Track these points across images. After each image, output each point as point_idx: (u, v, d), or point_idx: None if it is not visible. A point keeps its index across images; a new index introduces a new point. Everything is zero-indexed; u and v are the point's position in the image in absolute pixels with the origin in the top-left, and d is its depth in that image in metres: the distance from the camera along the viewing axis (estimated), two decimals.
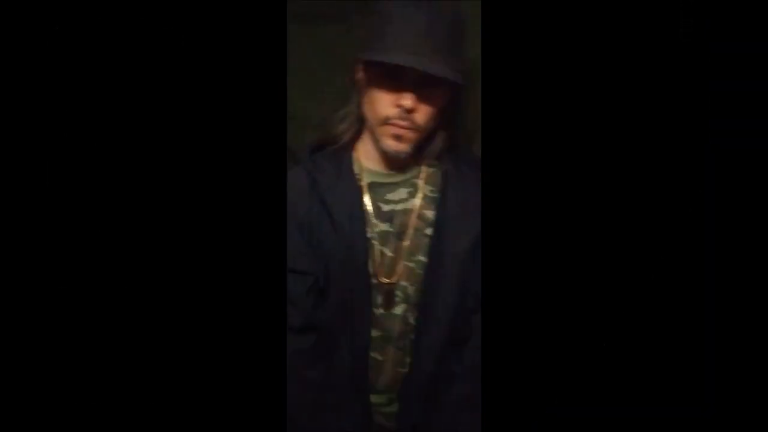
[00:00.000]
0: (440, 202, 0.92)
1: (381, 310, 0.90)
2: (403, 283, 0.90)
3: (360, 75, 0.88)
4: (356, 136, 0.94)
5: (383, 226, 0.91)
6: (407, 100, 0.83)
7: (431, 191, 0.93)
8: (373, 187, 0.92)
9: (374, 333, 0.90)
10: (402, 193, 0.93)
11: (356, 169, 0.93)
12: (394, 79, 0.84)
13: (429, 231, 0.91)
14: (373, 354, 0.91)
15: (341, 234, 0.89)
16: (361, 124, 0.93)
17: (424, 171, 0.93)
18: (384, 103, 0.86)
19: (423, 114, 0.86)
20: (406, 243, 0.90)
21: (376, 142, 0.90)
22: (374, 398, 0.92)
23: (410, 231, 0.91)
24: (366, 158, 0.94)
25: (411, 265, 0.91)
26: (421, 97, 0.85)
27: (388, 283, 0.90)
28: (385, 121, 0.86)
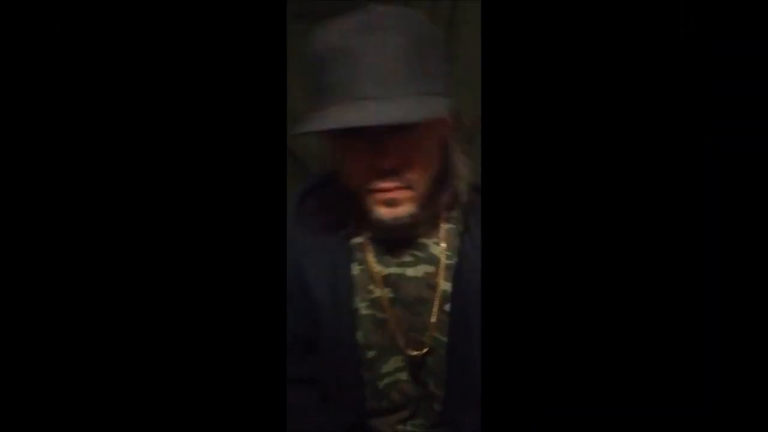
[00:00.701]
0: (456, 270, 0.75)
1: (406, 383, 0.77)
2: (429, 358, 0.76)
3: (325, 143, 0.71)
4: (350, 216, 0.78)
5: (384, 293, 0.76)
6: (383, 161, 0.66)
7: (448, 257, 0.76)
8: (369, 245, 0.76)
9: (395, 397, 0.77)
10: (405, 255, 0.76)
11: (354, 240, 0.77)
12: (354, 142, 0.66)
13: (447, 307, 0.75)
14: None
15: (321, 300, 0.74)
16: (349, 199, 0.74)
17: (441, 229, 0.76)
18: (358, 173, 0.69)
19: (413, 168, 0.68)
20: (416, 315, 0.75)
21: (370, 215, 0.71)
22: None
23: (423, 303, 0.75)
24: (366, 232, 0.77)
25: (433, 341, 0.76)
26: (400, 149, 0.66)
27: (415, 355, 0.74)
28: (370, 191, 0.69)
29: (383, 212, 0.70)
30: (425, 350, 0.75)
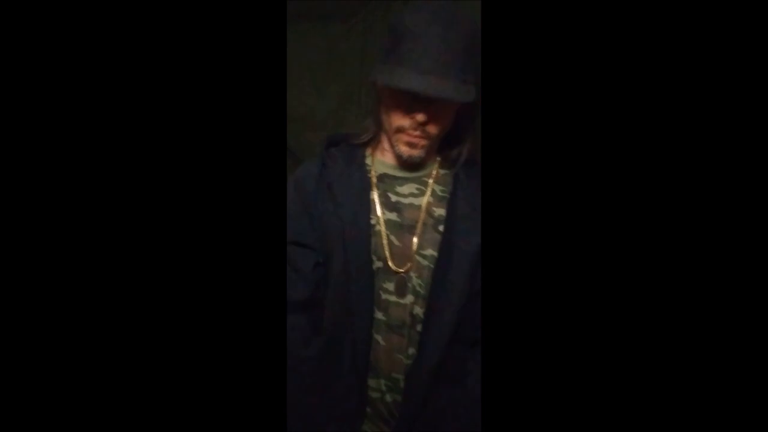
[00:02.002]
0: (450, 201, 0.96)
1: (393, 297, 0.93)
2: (413, 274, 0.93)
3: (377, 86, 0.93)
4: (374, 138, 0.99)
5: (390, 215, 0.95)
6: (419, 115, 0.88)
7: (441, 191, 0.97)
8: (383, 179, 0.97)
9: (379, 316, 0.92)
10: (411, 188, 0.96)
11: (369, 162, 0.98)
12: (407, 95, 0.88)
13: (440, 227, 0.94)
14: (375, 336, 0.92)
15: (344, 217, 0.93)
16: (379, 128, 0.98)
17: (436, 171, 0.98)
18: (398, 115, 0.91)
19: (436, 126, 0.91)
20: (416, 236, 0.93)
21: (392, 146, 0.95)
22: (372, 382, 0.93)
23: (419, 225, 0.94)
24: (381, 154, 0.98)
25: (420, 259, 0.93)
26: (434, 111, 0.89)
27: (400, 272, 0.92)
28: (399, 130, 0.92)
29: (404, 149, 0.93)
30: (408, 266, 0.93)
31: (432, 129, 0.91)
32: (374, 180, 0.96)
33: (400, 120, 0.91)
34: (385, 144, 0.97)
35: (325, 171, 0.96)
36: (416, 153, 0.93)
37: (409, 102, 0.89)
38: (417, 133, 0.91)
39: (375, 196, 0.95)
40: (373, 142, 0.99)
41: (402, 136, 0.92)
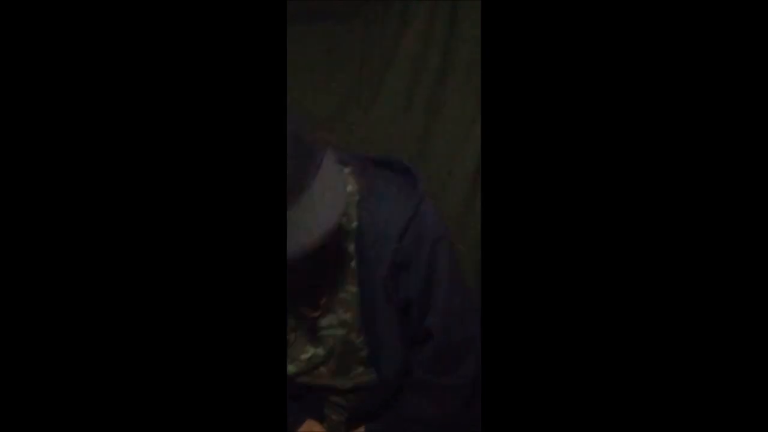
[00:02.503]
0: (356, 234, 0.93)
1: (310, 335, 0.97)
2: (338, 309, 0.95)
3: None
4: None
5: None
6: None
7: (346, 224, 0.92)
8: None
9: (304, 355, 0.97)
10: None
11: None
12: None
13: (353, 264, 0.93)
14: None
15: None
16: None
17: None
18: None
19: None
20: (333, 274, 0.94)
21: None
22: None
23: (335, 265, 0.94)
24: None
25: (343, 295, 0.94)
26: None
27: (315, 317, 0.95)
28: None
29: None
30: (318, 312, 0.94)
31: None
32: None
33: None
34: None
35: None
36: None
37: None
38: None
39: None
40: None
41: None
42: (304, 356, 0.97)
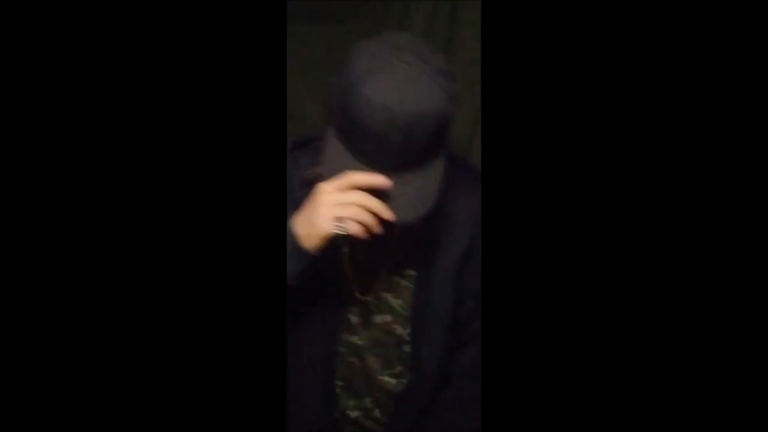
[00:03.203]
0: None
1: (357, 318, 0.90)
2: (388, 294, 0.89)
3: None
4: None
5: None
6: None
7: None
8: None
9: (351, 339, 0.90)
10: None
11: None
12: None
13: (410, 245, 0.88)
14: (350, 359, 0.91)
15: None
16: None
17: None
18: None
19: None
20: (388, 253, 0.87)
21: None
22: (352, 402, 0.93)
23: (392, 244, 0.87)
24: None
25: (398, 278, 0.89)
26: None
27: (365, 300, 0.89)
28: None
29: None
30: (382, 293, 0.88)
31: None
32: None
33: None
34: None
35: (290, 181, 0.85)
36: None
37: None
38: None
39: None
40: None
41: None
42: (353, 339, 0.91)
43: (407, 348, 0.90)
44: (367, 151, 0.73)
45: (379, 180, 0.73)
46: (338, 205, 0.73)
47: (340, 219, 0.73)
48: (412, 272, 0.89)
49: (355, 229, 0.73)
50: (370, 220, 0.73)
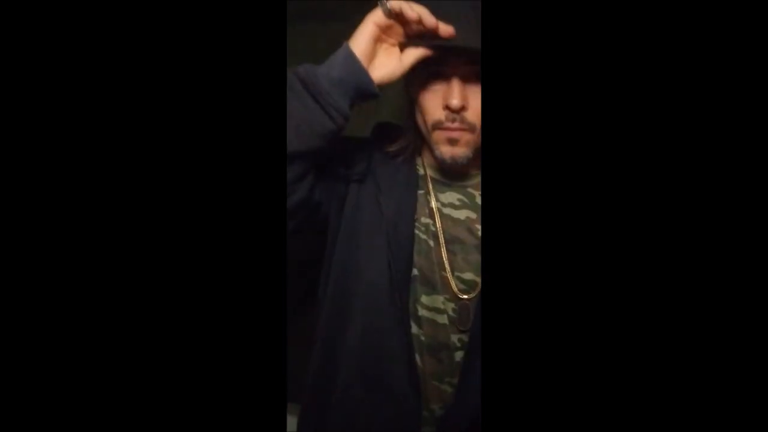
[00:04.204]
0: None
1: (428, 313, 0.84)
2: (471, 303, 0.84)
3: (408, 82, 0.85)
4: (416, 151, 0.90)
5: (427, 221, 0.86)
6: (454, 98, 0.79)
7: None
8: (430, 181, 0.88)
9: (415, 331, 0.84)
10: (453, 197, 0.87)
11: (417, 162, 0.89)
12: (439, 78, 0.80)
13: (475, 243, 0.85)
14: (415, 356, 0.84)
15: (386, 210, 0.84)
16: (418, 137, 0.88)
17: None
18: (432, 107, 0.81)
19: (475, 111, 0.80)
20: (457, 255, 0.84)
21: (432, 152, 0.84)
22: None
23: (461, 244, 0.85)
24: (429, 168, 0.89)
25: (456, 282, 0.85)
26: (470, 93, 0.80)
27: (463, 299, 0.83)
28: (437, 126, 0.82)
29: (445, 150, 0.82)
30: (473, 294, 0.82)
31: (472, 116, 0.80)
32: (426, 178, 0.87)
33: (434, 113, 0.81)
34: (429, 157, 0.87)
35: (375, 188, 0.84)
36: (460, 152, 0.82)
37: (442, 87, 0.80)
38: (456, 125, 0.80)
39: (422, 195, 0.86)
40: (417, 157, 0.89)
41: (440, 133, 0.81)
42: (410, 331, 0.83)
43: (459, 357, 0.83)
44: None
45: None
46: None
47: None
48: (472, 276, 0.84)
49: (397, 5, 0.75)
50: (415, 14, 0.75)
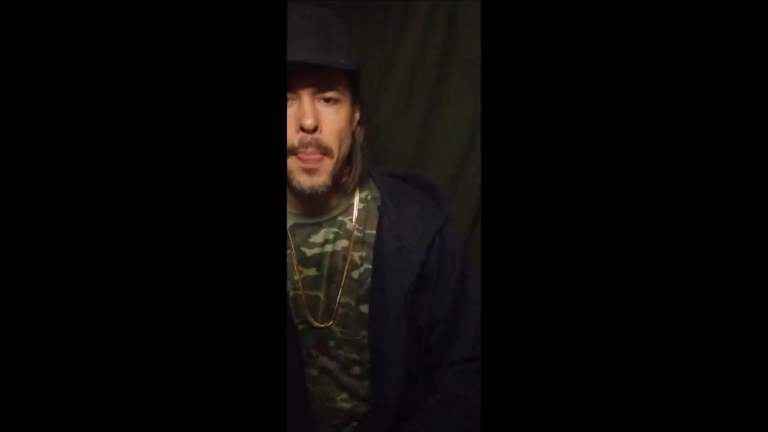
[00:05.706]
0: (376, 241, 0.87)
1: (315, 352, 0.89)
2: (336, 328, 0.88)
3: None
4: None
5: (308, 272, 0.87)
6: (307, 118, 0.77)
7: (359, 230, 0.88)
8: (294, 231, 0.87)
9: (312, 372, 0.89)
10: (327, 234, 0.87)
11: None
12: (290, 95, 0.78)
13: (355, 274, 0.87)
14: (312, 388, 0.89)
15: None
16: None
17: (354, 207, 0.88)
18: (289, 133, 0.78)
19: (329, 132, 0.79)
20: (335, 286, 0.87)
21: (290, 185, 0.82)
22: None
23: (343, 275, 0.87)
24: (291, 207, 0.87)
25: (345, 311, 0.88)
26: (323, 112, 0.79)
27: (321, 328, 0.87)
28: (291, 152, 0.79)
29: (303, 180, 0.80)
30: (330, 323, 0.86)
31: (326, 139, 0.79)
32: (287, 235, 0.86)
33: (289, 138, 0.78)
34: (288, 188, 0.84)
35: None
36: (318, 180, 0.80)
37: (294, 106, 0.78)
38: (310, 150, 0.78)
39: (290, 254, 0.86)
40: None
41: (295, 161, 0.79)
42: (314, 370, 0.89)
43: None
44: None
45: None
46: None
47: None
48: (351, 302, 0.87)
49: None
50: None
